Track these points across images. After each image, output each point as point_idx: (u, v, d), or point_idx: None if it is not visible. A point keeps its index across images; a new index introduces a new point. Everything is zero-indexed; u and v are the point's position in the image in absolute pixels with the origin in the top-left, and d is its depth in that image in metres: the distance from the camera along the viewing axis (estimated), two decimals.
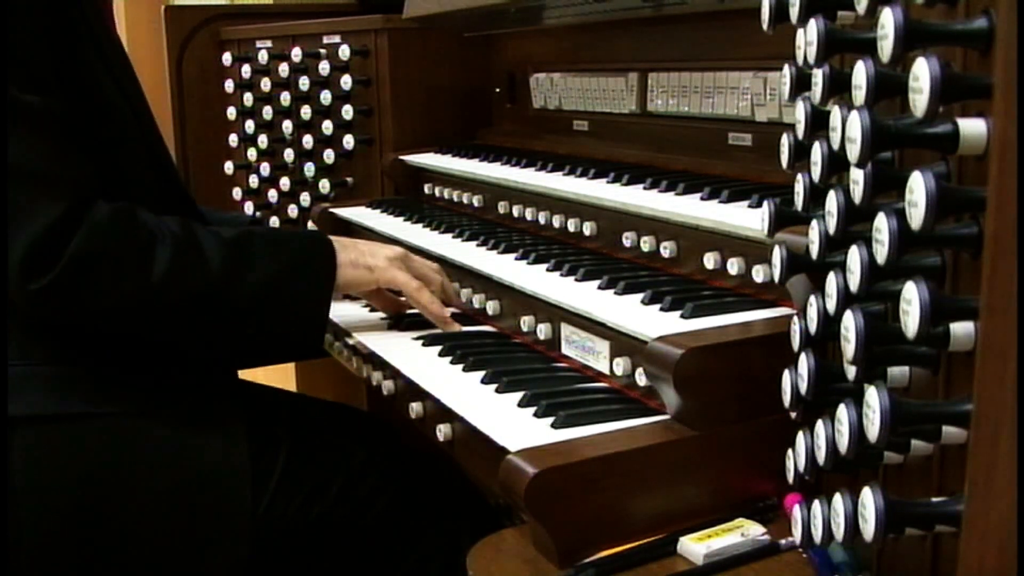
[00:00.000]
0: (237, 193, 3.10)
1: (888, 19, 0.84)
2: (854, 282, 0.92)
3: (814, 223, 1.04)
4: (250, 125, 3.00)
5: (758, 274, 1.43)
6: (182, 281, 1.52)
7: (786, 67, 1.07)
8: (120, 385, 1.59)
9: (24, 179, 1.44)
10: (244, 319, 1.60)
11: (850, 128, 0.87)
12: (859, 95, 0.89)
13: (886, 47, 0.84)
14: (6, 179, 1.43)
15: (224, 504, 1.59)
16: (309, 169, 2.82)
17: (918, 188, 0.80)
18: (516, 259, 1.83)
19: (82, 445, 1.54)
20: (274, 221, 2.92)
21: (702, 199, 1.67)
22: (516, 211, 2.11)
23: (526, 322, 1.67)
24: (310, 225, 2.78)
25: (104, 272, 1.47)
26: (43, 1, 1.49)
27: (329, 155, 2.78)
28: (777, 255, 1.11)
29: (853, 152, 0.87)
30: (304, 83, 2.78)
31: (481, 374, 1.54)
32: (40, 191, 1.44)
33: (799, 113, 1.05)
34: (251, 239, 1.62)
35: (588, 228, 1.85)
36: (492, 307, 1.78)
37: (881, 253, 0.86)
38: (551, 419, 1.34)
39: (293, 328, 1.66)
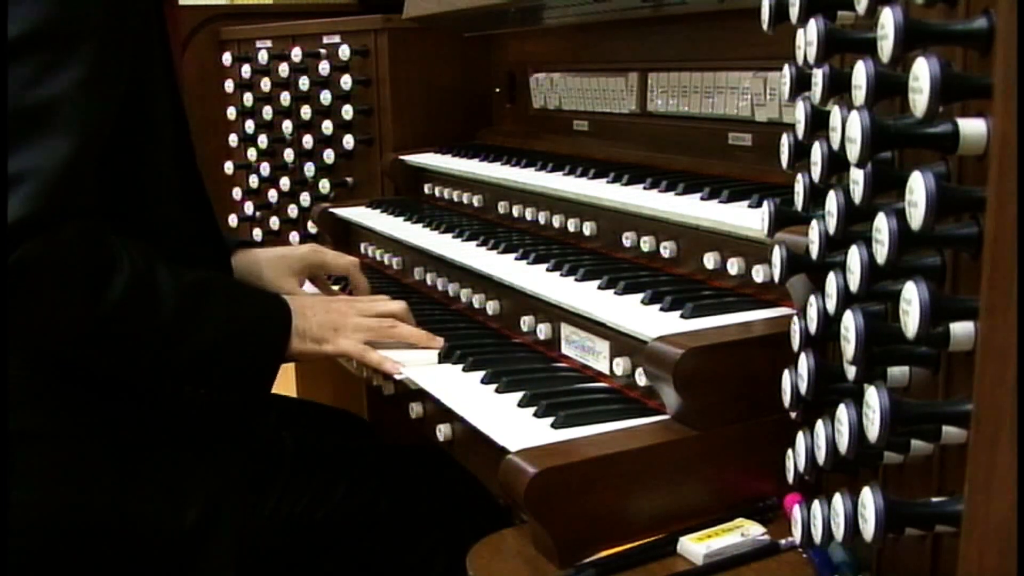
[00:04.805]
0: (237, 193, 3.10)
1: (888, 19, 0.83)
2: (854, 282, 0.92)
3: (814, 223, 1.04)
4: (250, 125, 3.00)
5: (758, 274, 1.43)
6: (128, 317, 1.43)
7: (786, 67, 1.07)
8: (78, 403, 1.52)
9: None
10: (183, 372, 1.53)
11: (850, 128, 0.87)
12: (859, 95, 0.89)
13: (886, 47, 0.84)
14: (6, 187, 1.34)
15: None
16: (309, 169, 2.81)
17: (918, 188, 0.80)
18: (516, 259, 1.83)
19: (37, 467, 1.49)
20: (274, 221, 2.92)
21: (702, 199, 1.67)
22: (516, 211, 2.10)
23: (526, 322, 1.67)
24: (310, 225, 2.79)
25: (50, 285, 1.36)
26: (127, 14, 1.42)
27: (329, 155, 2.78)
28: (777, 255, 1.11)
29: (853, 152, 0.87)
30: (304, 83, 2.78)
31: (481, 374, 1.54)
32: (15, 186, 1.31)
33: (799, 113, 1.05)
34: (208, 294, 1.53)
35: (588, 228, 1.85)
36: (492, 307, 1.78)
37: (881, 253, 0.86)
38: (551, 419, 1.34)
39: (233, 388, 1.59)
